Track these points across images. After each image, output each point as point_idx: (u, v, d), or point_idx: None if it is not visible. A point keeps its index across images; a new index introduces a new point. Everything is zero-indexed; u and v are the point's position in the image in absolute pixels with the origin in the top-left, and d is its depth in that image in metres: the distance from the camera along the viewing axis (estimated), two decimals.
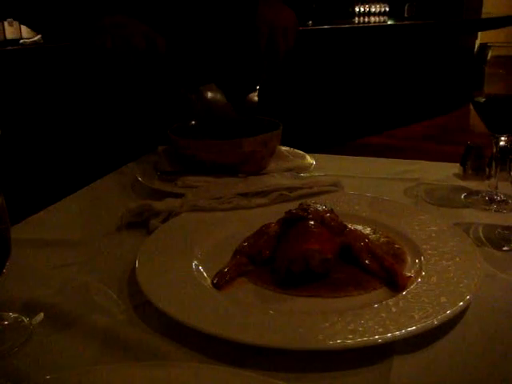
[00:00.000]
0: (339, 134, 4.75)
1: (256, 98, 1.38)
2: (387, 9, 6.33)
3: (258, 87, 1.39)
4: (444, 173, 1.26)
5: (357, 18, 6.04)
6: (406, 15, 6.24)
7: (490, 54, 1.03)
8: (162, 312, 0.70)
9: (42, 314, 0.73)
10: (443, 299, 0.71)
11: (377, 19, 6.04)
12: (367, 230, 0.93)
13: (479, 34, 7.96)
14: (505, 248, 0.91)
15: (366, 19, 6.02)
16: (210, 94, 1.42)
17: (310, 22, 5.12)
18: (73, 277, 0.83)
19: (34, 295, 0.78)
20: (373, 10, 6.21)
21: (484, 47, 1.04)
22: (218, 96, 1.41)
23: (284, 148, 1.33)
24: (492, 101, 1.05)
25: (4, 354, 0.66)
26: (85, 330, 0.70)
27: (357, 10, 6.15)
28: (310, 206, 0.87)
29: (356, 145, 4.86)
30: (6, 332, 0.70)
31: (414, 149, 4.78)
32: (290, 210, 0.86)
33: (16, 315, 0.73)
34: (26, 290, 0.79)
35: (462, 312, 0.71)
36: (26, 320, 0.72)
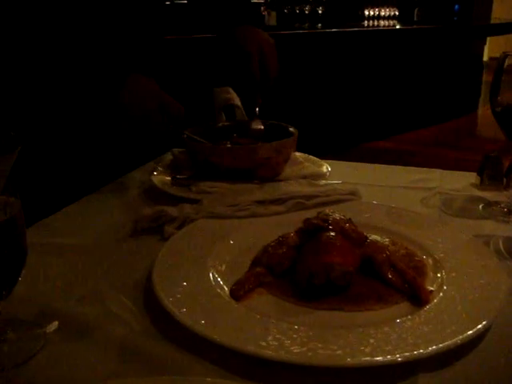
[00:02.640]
0: (348, 138, 4.74)
1: (261, 125, 1.36)
2: (397, 13, 6.31)
3: (257, 113, 1.38)
4: (461, 182, 1.24)
5: (366, 22, 6.02)
6: (415, 19, 6.22)
7: (506, 63, 1.02)
8: (179, 324, 0.68)
9: (56, 323, 0.71)
10: (466, 316, 0.69)
11: (386, 23, 6.02)
12: (386, 241, 0.91)
13: (488, 39, 7.94)
14: None
15: (376, 23, 6.00)
16: (225, 97, 1.41)
17: (320, 25, 5.11)
18: (87, 284, 0.82)
19: (48, 302, 0.76)
20: (382, 13, 6.19)
21: (506, 56, 1.03)
22: (233, 99, 1.40)
23: (298, 154, 1.31)
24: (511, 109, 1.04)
25: (17, 364, 0.64)
26: (100, 340, 0.69)
27: (366, 13, 6.14)
28: (329, 215, 0.86)
29: (366, 149, 4.84)
30: (20, 341, 0.68)
31: (423, 154, 4.77)
32: (310, 220, 0.84)
33: (30, 322, 0.72)
34: (40, 296, 0.78)
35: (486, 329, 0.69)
36: (40, 329, 0.70)
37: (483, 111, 6.78)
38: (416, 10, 6.25)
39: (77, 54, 1.13)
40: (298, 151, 1.32)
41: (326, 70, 4.73)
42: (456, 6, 6.77)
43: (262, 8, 5.03)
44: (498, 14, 7.81)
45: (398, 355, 0.63)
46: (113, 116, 1.13)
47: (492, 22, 7.16)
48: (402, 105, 5.56)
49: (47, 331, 0.70)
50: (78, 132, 1.23)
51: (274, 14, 5.10)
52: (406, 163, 1.38)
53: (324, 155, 1.35)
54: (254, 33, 1.43)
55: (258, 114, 1.39)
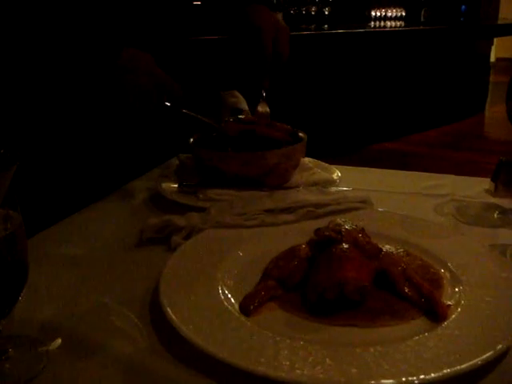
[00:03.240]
0: (354, 139, 4.71)
1: (267, 108, 1.34)
2: (403, 13, 6.26)
3: (264, 95, 1.36)
4: (474, 188, 1.21)
5: (372, 23, 5.98)
6: (422, 20, 6.18)
7: None
8: (187, 341, 0.65)
9: (59, 340, 0.69)
10: (486, 334, 0.66)
11: (393, 24, 5.98)
12: (400, 252, 0.89)
13: (495, 39, 7.90)
14: None
15: (382, 23, 5.96)
16: (232, 100, 1.38)
17: (326, 26, 5.08)
18: (91, 297, 0.79)
19: (51, 318, 0.74)
20: (389, 14, 6.15)
21: None
22: (240, 102, 1.37)
23: (307, 159, 1.28)
24: None
25: None
26: (105, 358, 0.66)
27: (373, 14, 6.09)
28: (342, 225, 0.83)
29: (372, 150, 4.81)
30: (22, 360, 0.65)
31: (430, 155, 4.73)
32: (322, 232, 0.81)
33: (32, 339, 0.69)
34: (42, 311, 0.75)
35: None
36: (42, 347, 0.67)
37: (490, 112, 6.75)
38: (423, 11, 6.20)
39: (70, 27, 1.10)
40: (307, 154, 1.29)
41: (333, 70, 4.70)
42: (463, 7, 6.72)
43: None
44: (505, 14, 7.76)
45: (415, 377, 0.60)
46: (107, 91, 1.09)
47: (499, 22, 7.11)
48: (409, 106, 5.53)
49: (50, 349, 0.67)
50: (80, 130, 1.19)
51: (280, 14, 5.07)
52: (413, 165, 1.35)
53: (330, 156, 1.32)
54: (269, 13, 1.39)
55: (264, 97, 1.36)
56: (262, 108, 1.35)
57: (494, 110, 6.77)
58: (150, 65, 1.13)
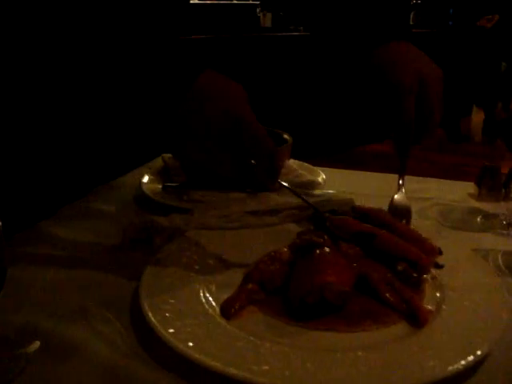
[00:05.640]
0: (342, 141, 4.71)
1: (407, 201, 1.05)
2: None
3: (401, 182, 1.08)
4: (459, 192, 1.21)
5: None
6: (411, 23, 6.20)
7: None
8: (167, 346, 0.65)
9: (37, 343, 0.68)
10: (467, 340, 0.66)
11: None
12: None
13: None
14: None
15: None
16: None
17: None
18: (71, 299, 0.78)
19: (29, 319, 0.72)
20: None
21: None
22: None
23: (292, 161, 1.28)
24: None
25: None
26: (85, 362, 0.65)
27: None
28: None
29: (360, 152, 4.81)
30: None
31: (415, 158, 4.73)
32: (305, 236, 0.81)
33: (10, 341, 0.68)
34: (20, 312, 0.74)
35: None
36: (20, 349, 0.66)
37: (477, 116, 6.77)
38: (412, 14, 6.22)
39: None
40: (292, 155, 1.28)
41: (319, 72, 4.70)
42: (451, 10, 6.74)
43: (258, 9, 5.02)
44: None
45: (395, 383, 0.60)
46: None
47: None
48: None
49: (28, 351, 0.66)
50: (66, 125, 1.15)
51: (269, 15, 5.08)
52: (396, 167, 1.35)
53: (314, 158, 1.32)
54: (411, 54, 1.01)
55: (403, 184, 1.04)
56: (400, 199, 1.03)
57: (480, 115, 6.80)
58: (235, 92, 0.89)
